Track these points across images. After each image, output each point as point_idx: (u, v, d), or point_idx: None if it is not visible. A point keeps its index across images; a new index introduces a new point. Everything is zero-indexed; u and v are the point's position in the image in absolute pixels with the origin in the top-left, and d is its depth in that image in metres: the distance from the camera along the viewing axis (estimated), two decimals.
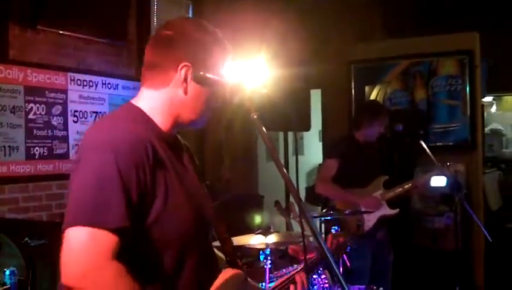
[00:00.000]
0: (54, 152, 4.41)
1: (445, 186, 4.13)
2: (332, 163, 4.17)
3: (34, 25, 4.26)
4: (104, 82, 4.83)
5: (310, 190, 6.01)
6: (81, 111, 4.62)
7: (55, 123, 4.42)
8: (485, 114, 6.95)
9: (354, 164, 4.13)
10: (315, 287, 2.76)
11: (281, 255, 3.36)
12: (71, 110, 4.53)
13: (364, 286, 3.37)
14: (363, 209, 4.05)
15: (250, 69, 4.00)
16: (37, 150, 4.28)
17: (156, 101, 1.58)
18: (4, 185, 4.07)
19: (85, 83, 4.67)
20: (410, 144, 4.94)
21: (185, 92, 1.57)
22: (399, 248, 4.56)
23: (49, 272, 3.24)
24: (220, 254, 1.77)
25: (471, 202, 4.63)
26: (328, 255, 1.38)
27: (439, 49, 5.49)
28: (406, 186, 4.19)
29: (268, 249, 2.69)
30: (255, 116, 1.51)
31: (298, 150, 3.00)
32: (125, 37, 5.02)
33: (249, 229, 3.07)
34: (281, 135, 5.32)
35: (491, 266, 5.29)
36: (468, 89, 5.38)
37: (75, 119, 4.57)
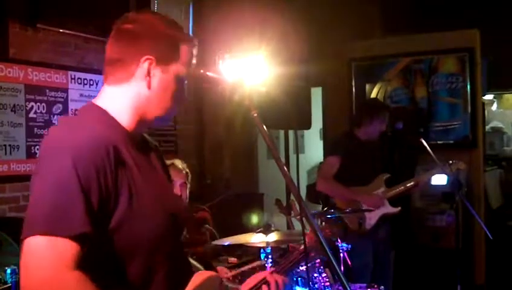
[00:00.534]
0: None
1: (446, 184, 4.12)
2: (334, 160, 4.15)
3: (34, 23, 4.26)
4: None
5: (310, 188, 6.00)
6: None
7: (55, 122, 4.42)
8: (486, 112, 6.91)
9: (356, 162, 4.12)
10: (316, 285, 2.76)
11: (281, 254, 3.36)
12: (72, 109, 4.53)
13: (365, 284, 3.36)
14: (364, 207, 4.04)
15: (250, 67, 3.99)
16: (37, 149, 4.27)
17: (118, 98, 1.50)
18: (5, 184, 4.08)
19: (85, 81, 4.67)
20: (411, 142, 4.93)
21: (149, 86, 1.49)
22: (400, 246, 4.56)
23: None
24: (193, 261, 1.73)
25: (472, 200, 4.62)
26: (328, 254, 1.37)
27: (440, 47, 5.47)
28: (409, 185, 4.19)
29: (269, 248, 2.68)
30: (255, 115, 1.50)
31: (299, 149, 2.99)
32: None
33: (250, 228, 3.06)
34: (282, 133, 5.30)
35: (492, 264, 5.29)
36: (468, 86, 5.36)
37: None
